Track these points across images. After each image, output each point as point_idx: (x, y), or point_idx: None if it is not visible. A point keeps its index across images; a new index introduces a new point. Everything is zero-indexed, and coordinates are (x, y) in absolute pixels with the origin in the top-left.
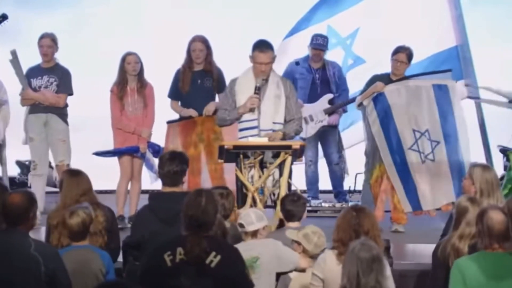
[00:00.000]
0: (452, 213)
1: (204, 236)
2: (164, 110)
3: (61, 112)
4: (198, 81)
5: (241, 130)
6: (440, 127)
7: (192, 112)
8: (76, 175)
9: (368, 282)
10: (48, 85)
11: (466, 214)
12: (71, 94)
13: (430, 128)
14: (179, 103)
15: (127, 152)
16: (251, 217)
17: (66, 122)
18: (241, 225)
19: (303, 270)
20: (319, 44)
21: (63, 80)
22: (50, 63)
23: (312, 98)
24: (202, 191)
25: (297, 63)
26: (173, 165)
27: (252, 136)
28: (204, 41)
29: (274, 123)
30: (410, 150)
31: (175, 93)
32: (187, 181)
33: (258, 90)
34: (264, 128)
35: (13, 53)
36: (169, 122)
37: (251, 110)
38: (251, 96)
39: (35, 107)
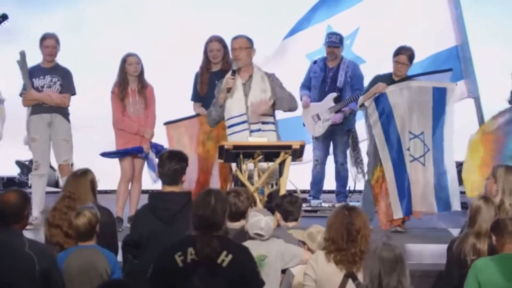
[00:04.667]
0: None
1: (214, 235)
2: (165, 110)
3: (65, 112)
4: (216, 81)
5: (229, 126)
6: (431, 133)
7: (199, 110)
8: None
9: (390, 283)
10: (51, 85)
11: (480, 213)
12: (74, 94)
13: (425, 132)
14: (200, 105)
15: (132, 152)
16: (261, 226)
17: (69, 121)
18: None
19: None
20: (332, 41)
21: (66, 80)
22: (52, 63)
23: (321, 97)
24: (211, 191)
25: (315, 62)
26: (173, 163)
27: (242, 131)
28: (220, 40)
29: (262, 115)
30: (407, 151)
31: (196, 96)
32: (196, 180)
33: (233, 73)
34: (253, 121)
35: (22, 54)
36: (167, 123)
37: (228, 90)
38: (227, 77)
39: (38, 108)
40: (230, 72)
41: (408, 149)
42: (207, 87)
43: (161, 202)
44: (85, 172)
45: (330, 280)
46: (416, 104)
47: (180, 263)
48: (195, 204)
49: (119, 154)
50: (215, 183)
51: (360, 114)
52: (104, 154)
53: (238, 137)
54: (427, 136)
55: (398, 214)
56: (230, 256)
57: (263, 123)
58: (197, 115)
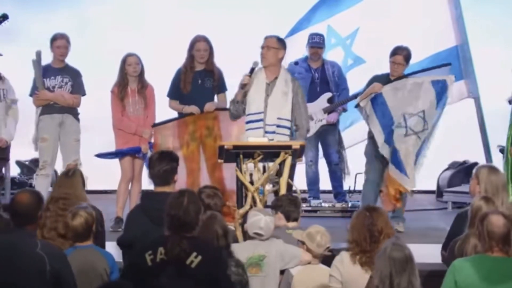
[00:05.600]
0: (458, 214)
1: (186, 236)
2: (165, 110)
3: (75, 112)
4: (199, 81)
5: (247, 122)
6: (435, 116)
7: (194, 109)
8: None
9: (400, 283)
10: (62, 85)
11: (481, 213)
12: (84, 94)
13: (426, 111)
14: (178, 102)
15: (129, 153)
16: (261, 225)
17: (79, 121)
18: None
19: (308, 263)
20: (316, 42)
21: (77, 81)
22: (62, 63)
23: (311, 97)
24: (185, 191)
25: (296, 63)
26: (163, 163)
27: (257, 128)
28: (207, 40)
29: (279, 118)
30: (397, 127)
31: (175, 93)
32: (185, 182)
33: (251, 71)
34: (269, 122)
35: (38, 54)
36: (155, 125)
37: (242, 87)
38: (244, 74)
39: (49, 108)
40: (249, 69)
41: (405, 125)
42: (190, 85)
43: (152, 202)
44: (76, 172)
45: (356, 281)
46: (413, 97)
47: (149, 262)
48: (167, 204)
49: (114, 155)
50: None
51: (349, 117)
52: (100, 155)
53: (253, 134)
54: (428, 115)
55: (407, 183)
56: (199, 258)
57: (279, 126)
58: (184, 115)
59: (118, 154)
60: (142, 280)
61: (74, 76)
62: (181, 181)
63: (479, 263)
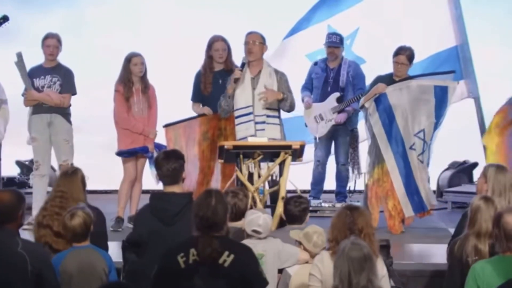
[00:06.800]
0: (464, 213)
1: (216, 236)
2: (165, 111)
3: (65, 112)
4: (220, 81)
5: (237, 117)
6: (432, 131)
7: (205, 109)
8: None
9: (359, 282)
10: (51, 85)
11: (480, 213)
12: (74, 93)
13: (426, 129)
14: (200, 105)
15: (140, 152)
16: (259, 223)
17: (69, 122)
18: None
19: (306, 262)
20: (332, 41)
21: (66, 80)
22: (53, 63)
23: (323, 97)
24: (212, 191)
25: (315, 63)
26: (170, 162)
27: (247, 122)
28: (225, 40)
29: (267, 108)
30: (411, 149)
31: (197, 95)
32: (196, 181)
33: (242, 66)
34: (258, 113)
35: (19, 55)
36: (166, 126)
37: (235, 81)
38: (236, 68)
39: (38, 108)
40: (240, 64)
41: (414, 148)
42: (211, 86)
43: (161, 202)
44: (76, 171)
45: None
46: (417, 102)
47: (182, 264)
48: (196, 204)
49: (129, 154)
50: (216, 183)
51: (362, 114)
52: (120, 154)
53: (243, 127)
54: (427, 133)
55: (409, 212)
56: (232, 257)
57: (268, 116)
58: (197, 116)
59: (132, 153)
60: (175, 283)
61: (64, 75)
62: (192, 178)
63: (499, 264)
